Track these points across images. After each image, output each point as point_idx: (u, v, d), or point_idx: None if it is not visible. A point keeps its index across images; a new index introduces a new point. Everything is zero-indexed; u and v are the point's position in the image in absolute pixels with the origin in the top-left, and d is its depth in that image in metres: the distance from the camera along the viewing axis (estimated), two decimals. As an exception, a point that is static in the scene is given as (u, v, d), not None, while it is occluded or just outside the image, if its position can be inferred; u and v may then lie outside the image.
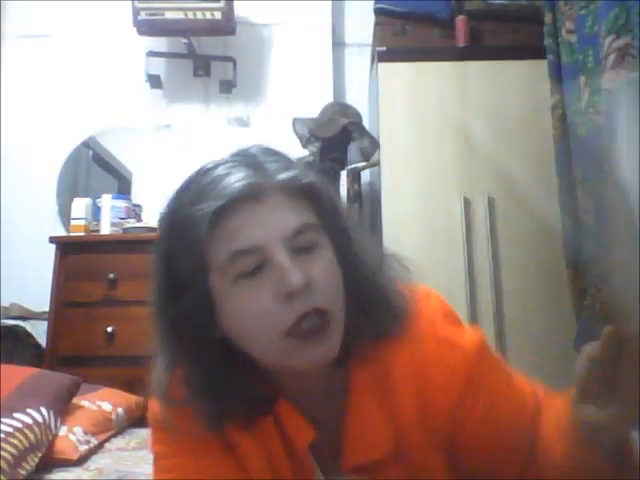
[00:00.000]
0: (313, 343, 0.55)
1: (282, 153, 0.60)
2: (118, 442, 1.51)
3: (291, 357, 0.55)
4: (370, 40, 2.51)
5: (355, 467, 0.61)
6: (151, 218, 2.30)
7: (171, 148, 2.66)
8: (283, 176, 0.55)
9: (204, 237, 0.53)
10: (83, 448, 1.34)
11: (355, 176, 2.32)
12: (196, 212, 0.53)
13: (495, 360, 0.64)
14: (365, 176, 2.47)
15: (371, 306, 0.60)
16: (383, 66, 2.20)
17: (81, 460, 1.31)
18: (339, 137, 2.20)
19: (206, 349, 0.58)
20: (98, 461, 1.34)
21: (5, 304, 2.29)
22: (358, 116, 2.32)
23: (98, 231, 2.25)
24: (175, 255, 0.56)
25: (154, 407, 0.65)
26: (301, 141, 2.30)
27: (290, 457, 0.63)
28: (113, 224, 2.24)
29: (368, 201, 2.48)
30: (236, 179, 0.54)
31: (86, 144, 2.66)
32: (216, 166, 0.57)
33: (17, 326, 2.10)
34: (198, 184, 0.56)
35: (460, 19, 2.23)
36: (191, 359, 0.59)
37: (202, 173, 0.57)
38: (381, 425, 0.60)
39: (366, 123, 2.39)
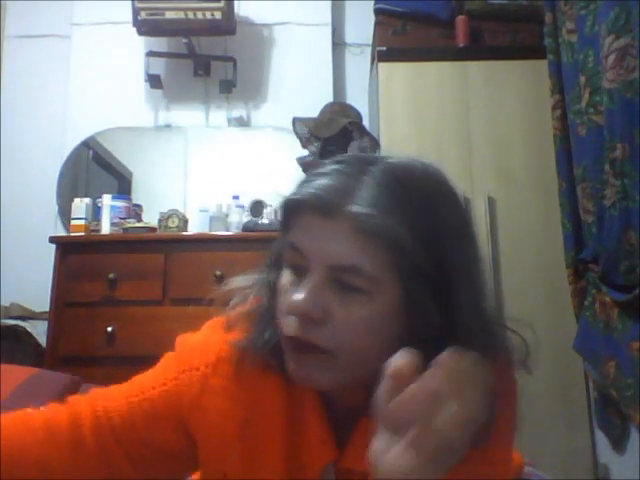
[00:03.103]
0: (298, 361, 0.54)
1: (400, 185, 0.52)
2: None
3: (286, 359, 0.55)
4: (370, 40, 2.51)
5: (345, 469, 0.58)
6: (151, 218, 2.30)
7: (171, 148, 2.67)
8: (355, 210, 0.49)
9: (282, 221, 0.58)
10: (83, 448, 1.34)
11: (355, 176, 2.32)
12: (285, 198, 0.56)
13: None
14: (365, 176, 2.46)
15: None
16: (383, 66, 2.20)
17: (81, 460, 1.31)
18: (339, 137, 2.20)
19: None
20: (98, 461, 1.33)
21: (5, 304, 2.29)
22: (358, 116, 2.32)
23: (98, 231, 2.24)
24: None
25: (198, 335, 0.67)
26: (301, 141, 2.30)
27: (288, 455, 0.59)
28: (113, 224, 2.23)
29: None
30: (317, 186, 0.52)
31: (86, 144, 2.66)
32: (329, 163, 0.55)
33: (17, 326, 2.10)
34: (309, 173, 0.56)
35: (460, 19, 2.23)
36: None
37: (320, 165, 0.56)
38: None
39: (366, 123, 2.39)
